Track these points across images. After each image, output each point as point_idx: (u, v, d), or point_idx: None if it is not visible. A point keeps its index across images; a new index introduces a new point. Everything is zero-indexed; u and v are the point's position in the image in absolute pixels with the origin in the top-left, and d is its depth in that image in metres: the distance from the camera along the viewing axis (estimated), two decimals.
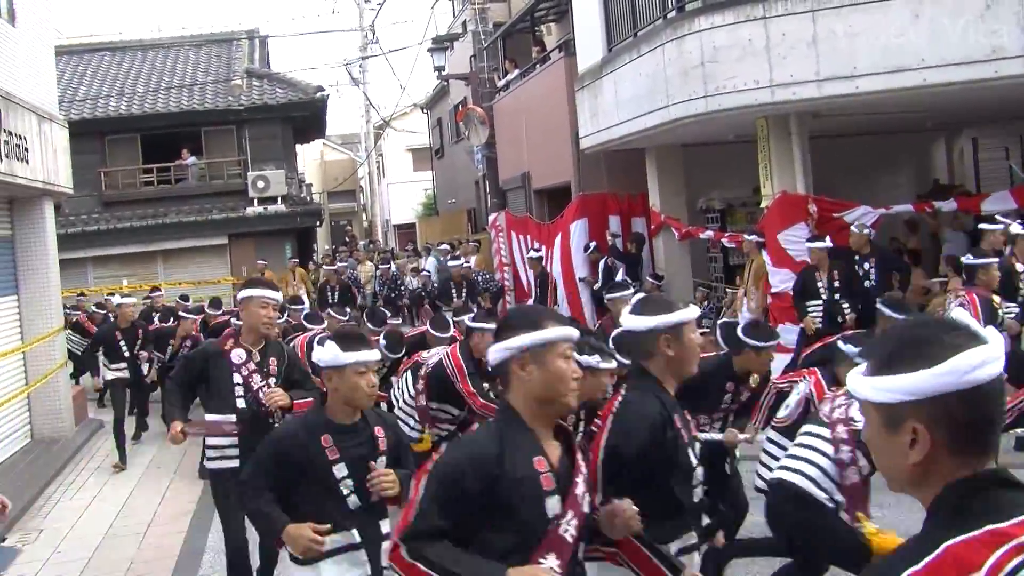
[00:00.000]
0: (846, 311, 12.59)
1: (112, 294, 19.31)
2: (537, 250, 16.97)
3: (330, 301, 20.45)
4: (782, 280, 13.93)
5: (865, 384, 2.17)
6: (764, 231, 14.39)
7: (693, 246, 18.34)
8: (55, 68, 17.18)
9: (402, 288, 27.07)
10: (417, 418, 8.83)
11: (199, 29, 35.21)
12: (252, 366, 7.08)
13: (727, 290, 17.30)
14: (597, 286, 18.02)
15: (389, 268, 27.52)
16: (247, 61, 32.18)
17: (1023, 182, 15.92)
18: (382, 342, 9.70)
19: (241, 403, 7.05)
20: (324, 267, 25.21)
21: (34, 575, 9.36)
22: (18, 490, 11.63)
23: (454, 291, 19.90)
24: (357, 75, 42.53)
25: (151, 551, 9.86)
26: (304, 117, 31.41)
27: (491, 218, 24.46)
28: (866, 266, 13.16)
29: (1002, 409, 2.12)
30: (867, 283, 13.06)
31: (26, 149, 13.52)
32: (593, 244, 18.39)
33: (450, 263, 21.61)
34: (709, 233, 17.44)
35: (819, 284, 12.79)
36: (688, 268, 18.40)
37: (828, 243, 12.82)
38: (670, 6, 14.51)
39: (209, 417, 7.24)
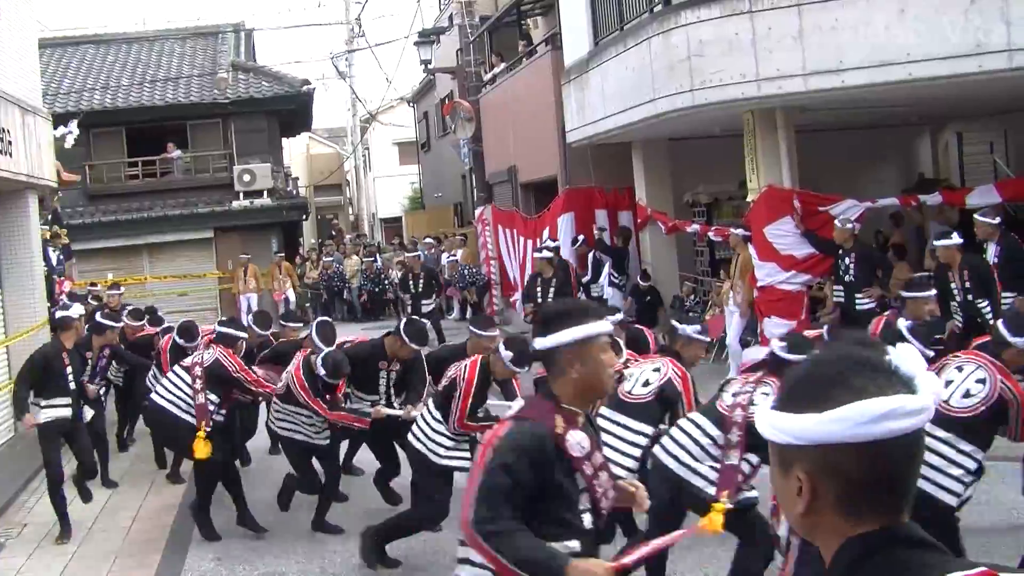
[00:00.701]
0: (984, 310, 11.53)
1: (94, 285, 19.25)
2: (551, 249, 16.61)
3: (412, 290, 19.78)
4: (768, 274, 13.95)
5: (763, 416, 1.95)
6: (750, 225, 14.40)
7: (679, 240, 18.38)
8: (39, 61, 17.11)
9: (387, 283, 27.03)
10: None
11: (184, 22, 35.10)
12: None
13: (714, 284, 17.32)
14: (586, 279, 18.04)
15: (374, 262, 27.47)
16: (233, 54, 32.11)
17: (1007, 176, 15.95)
18: (505, 352, 8.23)
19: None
20: (407, 254, 23.03)
21: (17, 570, 9.33)
22: (2, 484, 11.60)
23: (411, 283, 19.74)
24: (343, 68, 42.53)
25: (136, 545, 9.83)
26: (290, 111, 31.40)
27: (477, 212, 24.47)
28: (847, 260, 13.22)
29: (915, 468, 1.87)
30: (848, 278, 13.18)
31: (9, 142, 13.45)
32: (581, 238, 18.42)
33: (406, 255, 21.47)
34: (696, 227, 17.47)
35: (952, 285, 11.88)
36: (675, 262, 18.44)
37: (957, 239, 11.88)
38: (656, 0, 14.50)
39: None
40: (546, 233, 19.21)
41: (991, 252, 11.77)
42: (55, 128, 16.58)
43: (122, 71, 31.82)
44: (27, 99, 14.78)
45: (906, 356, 1.89)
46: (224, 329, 10.27)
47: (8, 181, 13.82)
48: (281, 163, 33.53)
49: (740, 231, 14.58)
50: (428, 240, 28.26)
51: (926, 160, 20.31)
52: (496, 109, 24.06)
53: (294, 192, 34.27)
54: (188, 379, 9.88)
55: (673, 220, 17.70)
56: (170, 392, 9.94)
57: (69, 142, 17.94)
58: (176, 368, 10.21)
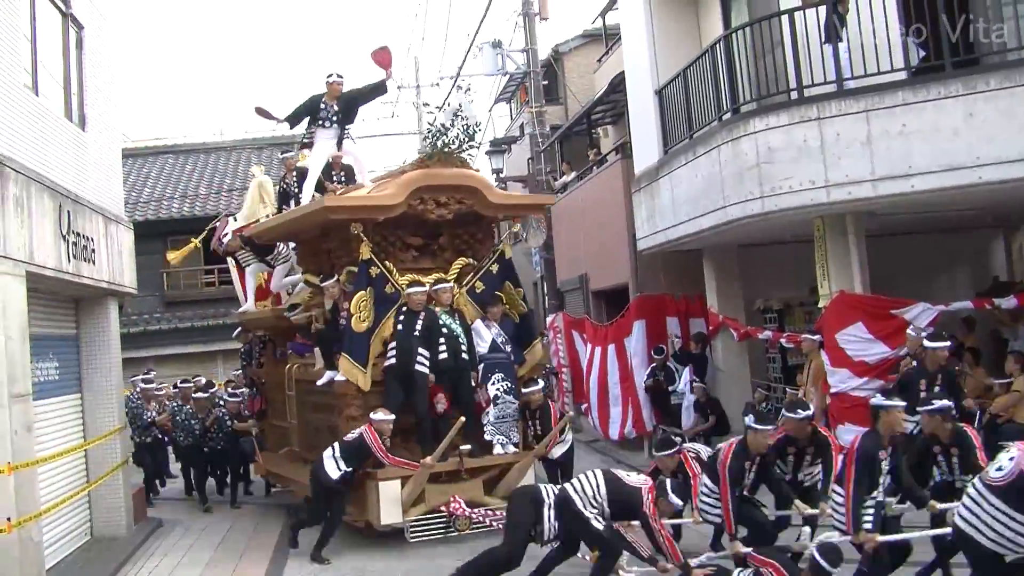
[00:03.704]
0: None
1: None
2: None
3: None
4: (841, 380, 13.82)
5: None
6: (822, 331, 14.31)
7: (751, 346, 18.26)
8: (121, 171, 17.59)
9: None
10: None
11: (261, 132, 35.71)
12: None
13: (786, 390, 17.17)
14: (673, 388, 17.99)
15: None
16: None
17: None
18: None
19: None
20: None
21: None
22: None
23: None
24: None
25: None
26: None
27: (549, 319, 24.50)
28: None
29: None
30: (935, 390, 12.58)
31: (93, 250, 13.81)
32: (662, 347, 18.35)
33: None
34: (768, 333, 17.36)
35: None
36: (747, 368, 18.30)
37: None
38: (725, 108, 14.64)
39: None
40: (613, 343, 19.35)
41: None
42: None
43: (200, 180, 32.55)
44: (110, 208, 15.19)
45: None
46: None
47: (91, 288, 14.14)
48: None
49: (816, 337, 14.49)
50: None
51: (1000, 263, 20.09)
52: (567, 217, 24.22)
53: None
54: None
55: (745, 327, 17.62)
56: None
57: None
58: None
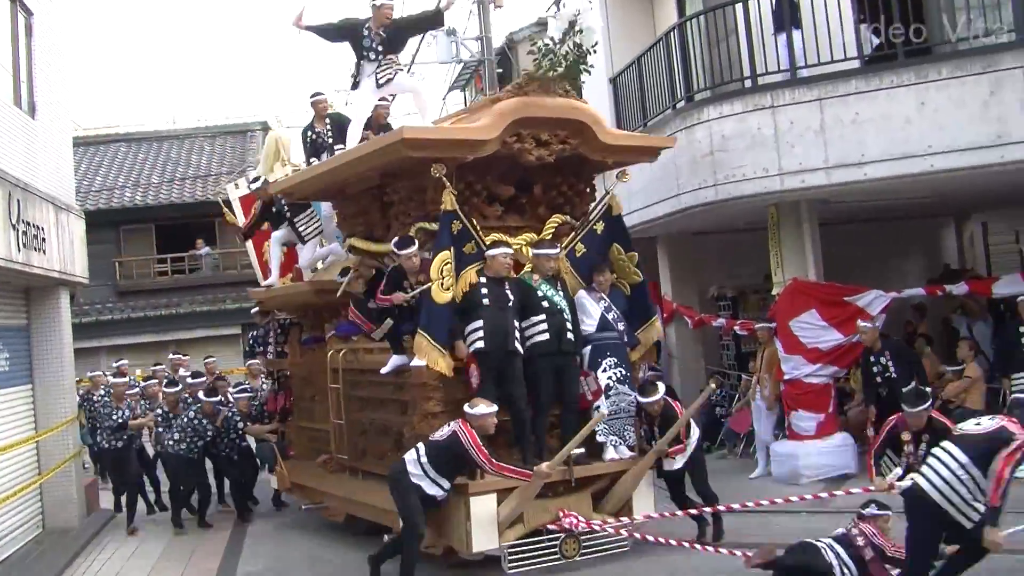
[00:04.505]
0: None
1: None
2: None
3: None
4: (794, 367, 13.89)
5: None
6: (776, 318, 14.40)
7: (705, 333, 18.35)
8: (72, 159, 17.42)
9: None
10: None
11: (214, 120, 35.47)
12: None
13: (740, 377, 17.27)
14: None
15: None
16: (261, 151, 32.47)
17: None
18: None
19: None
20: None
21: None
22: None
23: None
24: None
25: None
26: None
27: None
28: (883, 360, 13.04)
29: None
30: (888, 375, 12.88)
31: (43, 239, 13.66)
32: None
33: None
34: (721, 321, 17.45)
35: None
36: (700, 355, 18.39)
37: None
38: (679, 96, 14.67)
39: None
40: None
41: None
42: None
43: (152, 169, 32.30)
44: (61, 197, 15.02)
45: None
46: None
47: (42, 278, 13.99)
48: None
49: (769, 325, 14.57)
50: None
51: (951, 250, 20.30)
52: None
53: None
54: None
55: (699, 314, 17.70)
56: None
57: None
58: None
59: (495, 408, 9.84)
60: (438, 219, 10.61)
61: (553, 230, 11.40)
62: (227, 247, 30.34)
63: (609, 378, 11.05)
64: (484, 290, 10.50)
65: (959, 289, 14.66)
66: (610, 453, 10.94)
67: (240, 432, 14.78)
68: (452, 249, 10.47)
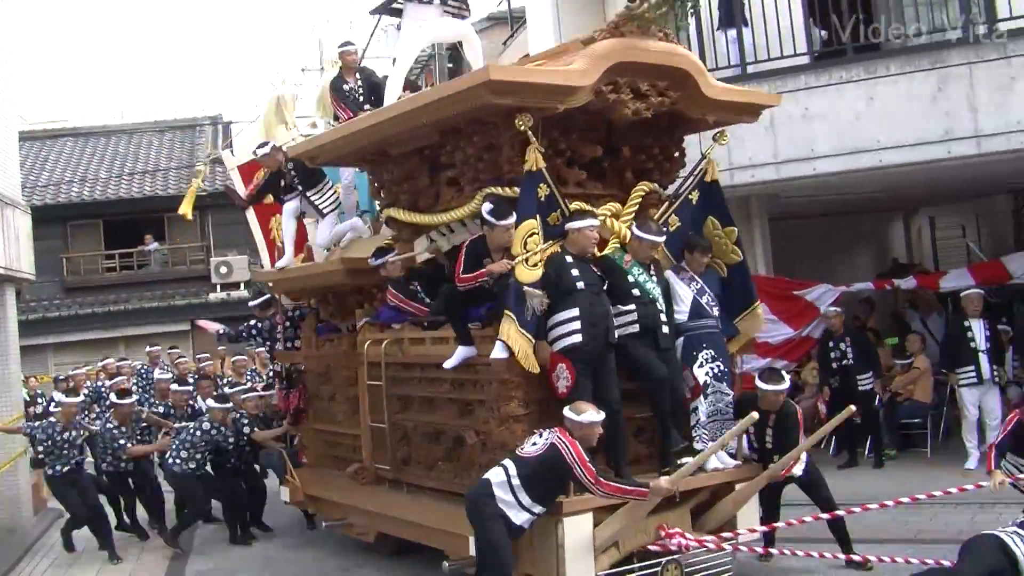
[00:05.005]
0: None
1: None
2: None
3: None
4: (744, 361, 13.93)
5: None
6: None
7: None
8: (18, 153, 17.20)
9: None
10: None
11: (162, 115, 35.24)
12: None
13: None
14: None
15: None
16: (210, 146, 32.25)
17: (980, 259, 16.12)
18: None
19: None
20: None
21: None
22: None
23: None
24: None
25: None
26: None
27: None
28: (842, 346, 13.55)
29: None
30: (846, 362, 13.47)
31: None
32: None
33: None
34: None
35: None
36: None
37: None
38: None
39: None
40: None
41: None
42: None
43: (100, 164, 31.96)
44: (6, 192, 14.83)
45: None
46: None
47: None
48: (259, 255, 33.55)
49: None
50: None
51: (899, 245, 20.49)
52: None
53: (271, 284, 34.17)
54: None
55: None
56: None
57: None
58: None
59: (603, 415, 7.90)
60: (515, 183, 8.81)
61: (638, 201, 9.43)
62: (175, 243, 30.12)
63: (706, 374, 9.22)
64: (575, 271, 8.53)
65: (907, 283, 14.82)
66: (712, 462, 8.95)
67: (247, 439, 12.80)
68: (538, 218, 8.58)
